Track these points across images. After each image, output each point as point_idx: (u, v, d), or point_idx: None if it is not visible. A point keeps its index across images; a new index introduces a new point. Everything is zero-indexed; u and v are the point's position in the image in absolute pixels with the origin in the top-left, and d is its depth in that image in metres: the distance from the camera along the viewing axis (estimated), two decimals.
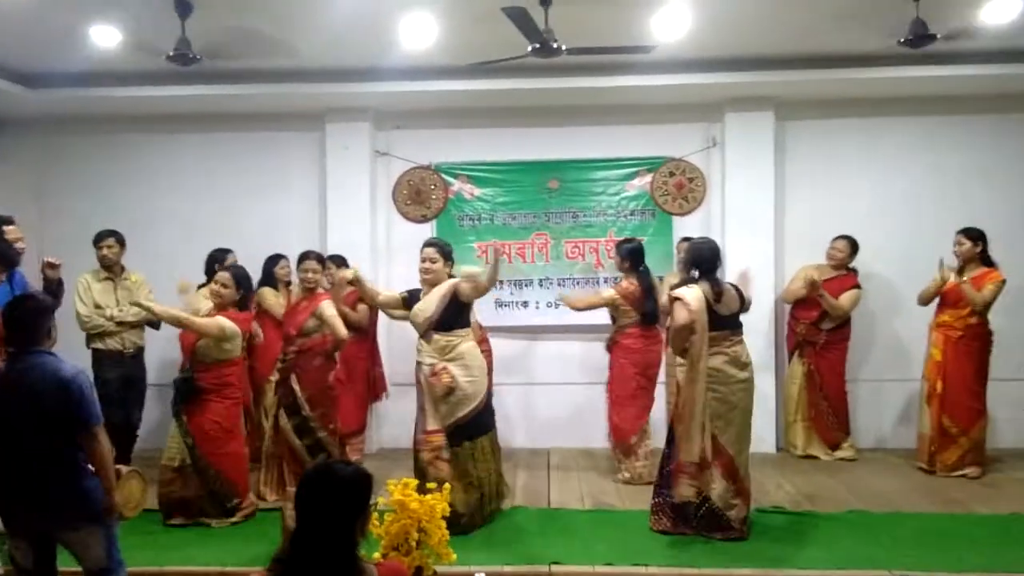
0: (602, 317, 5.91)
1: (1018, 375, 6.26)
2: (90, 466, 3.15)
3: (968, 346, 5.59)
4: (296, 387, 5.09)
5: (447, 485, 3.14)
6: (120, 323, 5.60)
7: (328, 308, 5.06)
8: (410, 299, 4.84)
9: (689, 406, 4.35)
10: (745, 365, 4.44)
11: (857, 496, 5.16)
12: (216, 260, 5.91)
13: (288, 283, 6.17)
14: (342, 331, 5.02)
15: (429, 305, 4.69)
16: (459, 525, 4.23)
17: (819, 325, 6.11)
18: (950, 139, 6.59)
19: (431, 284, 4.75)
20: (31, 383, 3.05)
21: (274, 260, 6.15)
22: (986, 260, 5.63)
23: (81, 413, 3.07)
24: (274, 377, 5.47)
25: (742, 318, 4.56)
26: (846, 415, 6.24)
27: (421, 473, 4.48)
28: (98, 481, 3.15)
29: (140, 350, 5.76)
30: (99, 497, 3.16)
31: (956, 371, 5.59)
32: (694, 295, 4.35)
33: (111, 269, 5.67)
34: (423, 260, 4.76)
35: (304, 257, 5.27)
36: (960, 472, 5.56)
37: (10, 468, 3.09)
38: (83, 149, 6.86)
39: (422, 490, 3.04)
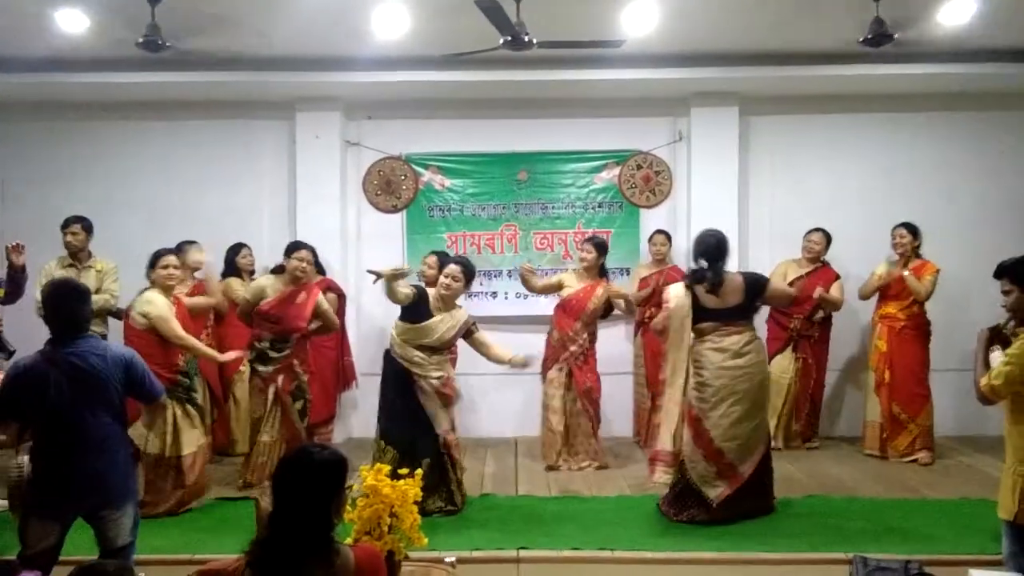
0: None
1: (963, 366, 6.40)
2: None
3: (912, 335, 5.84)
4: (300, 371, 5.18)
5: (419, 471, 3.19)
6: None
7: (324, 300, 5.29)
8: (418, 299, 4.77)
9: (667, 396, 4.56)
10: (738, 354, 4.48)
11: (816, 482, 5.32)
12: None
13: (251, 272, 6.17)
14: (336, 322, 5.50)
15: (448, 332, 4.75)
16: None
17: (812, 319, 6.17)
18: (906, 135, 6.80)
19: (448, 300, 4.76)
20: (94, 365, 3.12)
21: (236, 249, 6.15)
22: (918, 253, 5.88)
23: (150, 387, 3.31)
24: (243, 367, 5.48)
25: None
26: (821, 406, 6.41)
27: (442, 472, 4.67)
28: (134, 461, 3.38)
29: (102, 337, 5.61)
30: (136, 475, 3.38)
31: (902, 359, 5.83)
32: (674, 292, 4.59)
33: (76, 256, 5.56)
34: (446, 276, 4.73)
35: (296, 247, 5.24)
36: (912, 457, 5.78)
37: (71, 451, 3.11)
38: (48, 136, 6.76)
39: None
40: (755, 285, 4.60)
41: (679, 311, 4.53)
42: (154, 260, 4.74)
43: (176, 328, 4.65)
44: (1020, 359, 3.03)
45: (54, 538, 3.14)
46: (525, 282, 5.85)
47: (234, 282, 6.11)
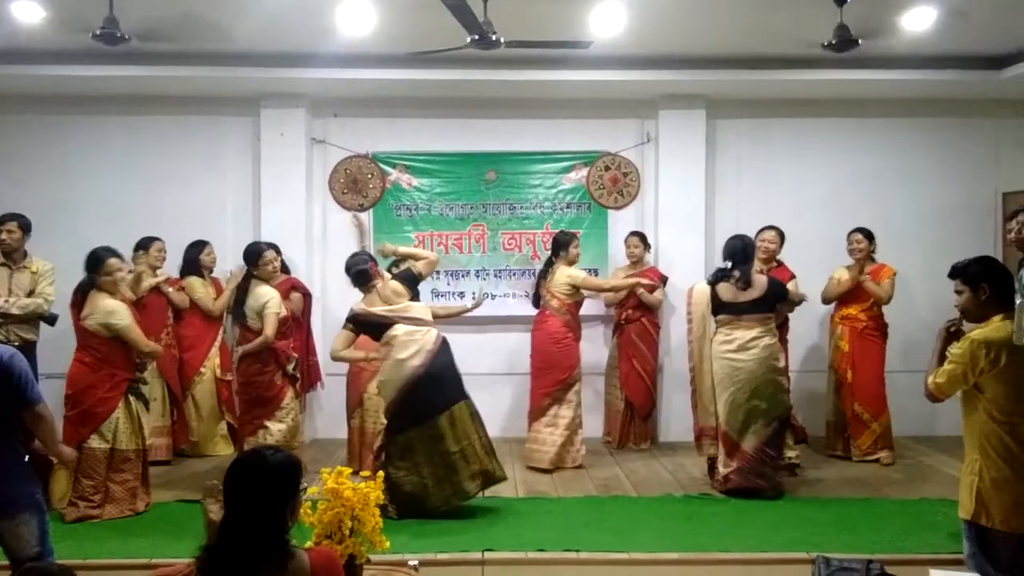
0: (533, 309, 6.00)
1: (922, 367, 6.45)
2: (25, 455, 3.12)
3: (872, 336, 5.93)
4: None
5: (380, 473, 3.15)
6: (4, 315, 5.07)
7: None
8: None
9: (697, 379, 5.18)
10: (744, 347, 4.99)
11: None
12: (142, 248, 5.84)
13: (211, 270, 6.08)
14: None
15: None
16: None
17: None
18: (870, 140, 6.89)
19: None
20: None
21: (199, 246, 6.04)
22: (873, 257, 5.98)
23: (25, 394, 3.04)
24: (203, 368, 5.42)
25: None
26: None
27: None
28: (31, 469, 3.13)
29: (30, 343, 5.17)
30: (35, 484, 3.14)
31: (863, 360, 5.90)
32: (697, 288, 5.20)
33: (9, 256, 5.22)
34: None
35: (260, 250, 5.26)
36: (874, 457, 5.85)
37: None
38: (0, 129, 6.56)
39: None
40: (778, 289, 5.18)
41: (699, 306, 5.11)
42: (96, 264, 4.61)
43: (140, 337, 4.65)
44: (963, 359, 3.07)
45: None
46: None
47: (195, 281, 6.01)
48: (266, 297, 5.07)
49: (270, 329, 4.98)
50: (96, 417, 4.55)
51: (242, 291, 5.22)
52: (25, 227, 5.27)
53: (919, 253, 6.54)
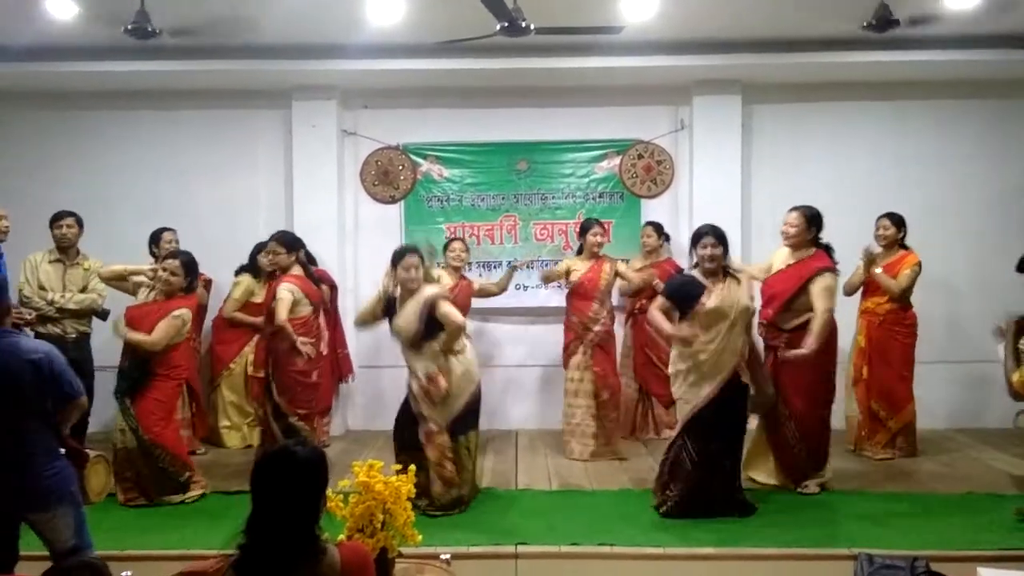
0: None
1: (969, 358, 6.33)
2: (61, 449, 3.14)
3: (890, 331, 5.59)
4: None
5: (412, 467, 3.12)
6: (61, 309, 5.29)
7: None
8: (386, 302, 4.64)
9: None
10: None
11: None
12: (154, 241, 5.85)
13: (271, 273, 6.05)
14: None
15: (410, 323, 4.49)
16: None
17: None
18: (911, 123, 6.69)
19: (410, 290, 4.53)
20: (4, 363, 2.97)
21: (261, 247, 5.95)
22: (903, 244, 5.67)
23: (63, 389, 3.08)
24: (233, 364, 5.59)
25: None
26: None
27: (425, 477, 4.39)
28: (67, 462, 3.15)
29: (84, 336, 5.44)
30: (70, 477, 3.17)
31: (880, 356, 5.61)
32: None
33: (65, 252, 5.42)
34: (405, 268, 4.49)
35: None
36: (886, 455, 5.57)
37: None
38: (36, 126, 6.66)
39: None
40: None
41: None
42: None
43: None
44: None
45: None
46: (547, 280, 6.06)
47: (245, 280, 6.05)
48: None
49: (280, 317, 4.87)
50: None
51: None
52: (80, 223, 5.48)
53: (962, 238, 6.35)
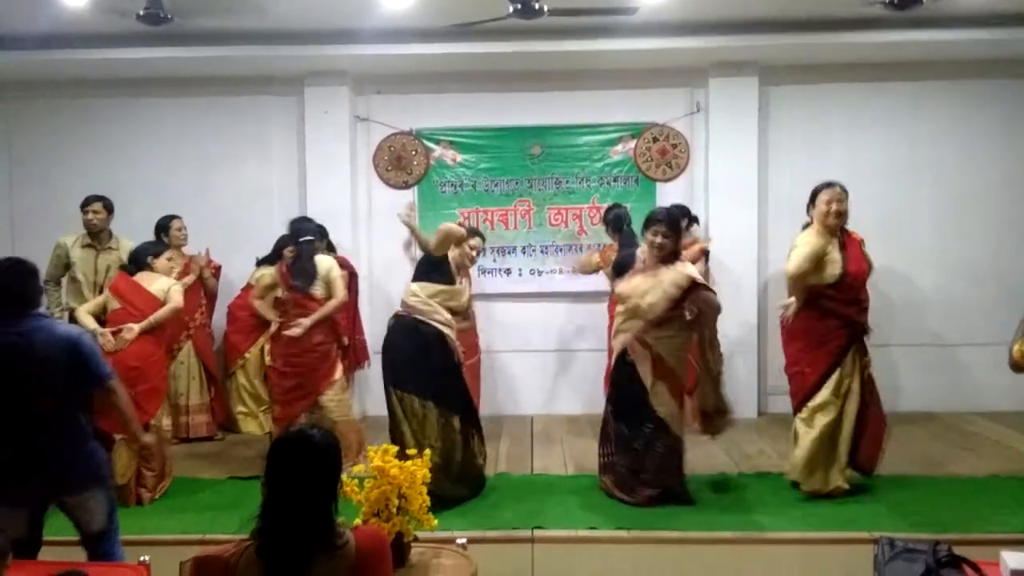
0: (584, 284, 5.89)
1: (989, 341, 6.23)
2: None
3: None
4: None
5: (427, 452, 3.11)
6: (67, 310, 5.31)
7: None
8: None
9: None
10: None
11: None
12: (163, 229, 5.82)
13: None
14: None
15: (468, 299, 4.93)
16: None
17: None
18: (932, 105, 6.57)
19: (464, 269, 4.89)
20: (39, 346, 3.00)
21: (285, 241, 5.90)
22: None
23: (97, 370, 3.12)
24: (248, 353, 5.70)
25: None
26: None
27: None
28: (99, 444, 3.20)
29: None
30: (103, 459, 3.22)
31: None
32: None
33: (96, 237, 5.47)
34: (472, 248, 4.87)
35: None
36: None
37: (16, 435, 3.02)
38: (52, 114, 6.67)
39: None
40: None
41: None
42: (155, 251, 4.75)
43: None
44: None
45: (24, 526, 3.05)
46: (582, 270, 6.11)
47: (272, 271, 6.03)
48: (328, 262, 5.02)
49: (342, 292, 4.92)
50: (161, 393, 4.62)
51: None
52: (109, 208, 5.50)
53: (980, 220, 6.24)
